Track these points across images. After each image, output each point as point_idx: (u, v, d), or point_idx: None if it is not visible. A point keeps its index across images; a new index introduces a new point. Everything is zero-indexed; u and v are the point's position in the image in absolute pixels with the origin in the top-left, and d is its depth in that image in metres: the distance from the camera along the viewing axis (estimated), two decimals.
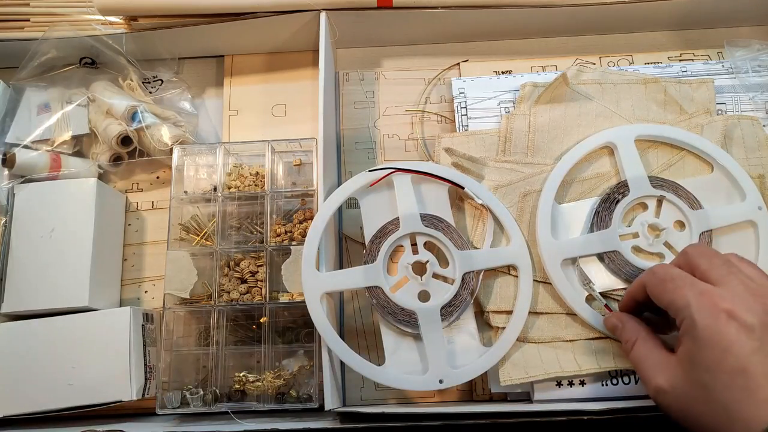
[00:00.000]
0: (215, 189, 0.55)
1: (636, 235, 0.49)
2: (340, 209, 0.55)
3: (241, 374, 0.50)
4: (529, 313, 0.47)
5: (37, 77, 0.60)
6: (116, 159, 0.58)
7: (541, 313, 0.49)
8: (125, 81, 0.60)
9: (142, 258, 0.58)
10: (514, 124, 0.55)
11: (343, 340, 0.46)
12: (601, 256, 0.49)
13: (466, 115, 0.58)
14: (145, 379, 0.49)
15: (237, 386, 0.49)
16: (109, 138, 0.56)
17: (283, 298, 0.51)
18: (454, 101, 0.59)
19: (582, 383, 0.47)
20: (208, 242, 0.53)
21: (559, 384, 0.47)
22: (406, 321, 0.47)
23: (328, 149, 0.54)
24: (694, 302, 0.35)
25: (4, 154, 0.56)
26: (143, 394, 0.49)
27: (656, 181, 0.50)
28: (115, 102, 0.57)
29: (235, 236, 0.54)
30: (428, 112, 0.61)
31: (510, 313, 0.48)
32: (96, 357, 0.48)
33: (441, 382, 0.45)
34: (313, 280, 0.47)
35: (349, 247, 0.56)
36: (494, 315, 0.48)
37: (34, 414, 0.47)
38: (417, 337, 0.47)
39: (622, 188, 0.50)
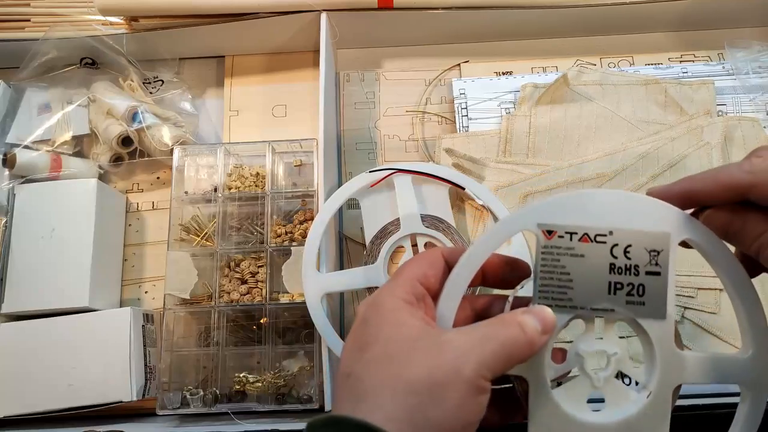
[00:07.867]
0: (216, 189, 0.54)
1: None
2: (340, 210, 0.55)
3: (241, 375, 0.49)
4: None
5: (38, 77, 0.60)
6: (117, 159, 0.58)
7: None
8: (126, 81, 0.60)
9: (142, 258, 0.58)
10: (515, 125, 0.55)
11: (344, 341, 0.45)
12: None
13: (467, 115, 0.58)
14: (146, 379, 0.49)
15: (237, 387, 0.49)
16: (110, 138, 0.56)
17: (284, 299, 0.51)
18: (455, 102, 0.59)
19: None
20: (208, 243, 0.53)
21: (559, 384, 0.47)
22: None
23: (329, 150, 0.54)
24: None
25: (5, 155, 0.56)
26: (143, 395, 0.49)
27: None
28: (116, 102, 0.57)
29: (235, 237, 0.54)
30: (429, 113, 0.61)
31: None
32: (96, 357, 0.48)
33: None
34: (313, 281, 0.47)
35: (349, 247, 0.56)
36: None
37: (34, 414, 0.47)
38: None
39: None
